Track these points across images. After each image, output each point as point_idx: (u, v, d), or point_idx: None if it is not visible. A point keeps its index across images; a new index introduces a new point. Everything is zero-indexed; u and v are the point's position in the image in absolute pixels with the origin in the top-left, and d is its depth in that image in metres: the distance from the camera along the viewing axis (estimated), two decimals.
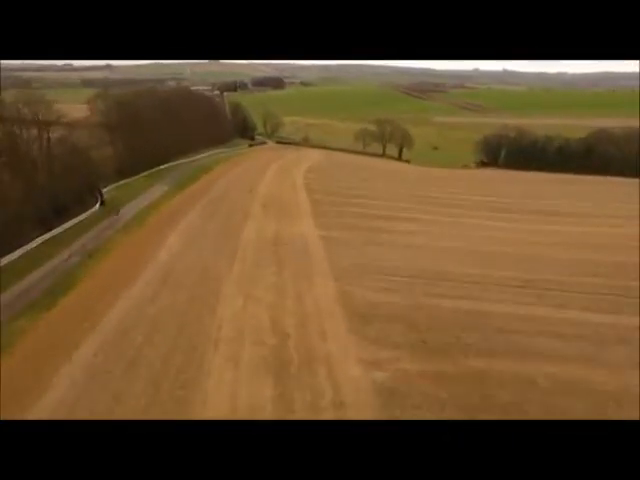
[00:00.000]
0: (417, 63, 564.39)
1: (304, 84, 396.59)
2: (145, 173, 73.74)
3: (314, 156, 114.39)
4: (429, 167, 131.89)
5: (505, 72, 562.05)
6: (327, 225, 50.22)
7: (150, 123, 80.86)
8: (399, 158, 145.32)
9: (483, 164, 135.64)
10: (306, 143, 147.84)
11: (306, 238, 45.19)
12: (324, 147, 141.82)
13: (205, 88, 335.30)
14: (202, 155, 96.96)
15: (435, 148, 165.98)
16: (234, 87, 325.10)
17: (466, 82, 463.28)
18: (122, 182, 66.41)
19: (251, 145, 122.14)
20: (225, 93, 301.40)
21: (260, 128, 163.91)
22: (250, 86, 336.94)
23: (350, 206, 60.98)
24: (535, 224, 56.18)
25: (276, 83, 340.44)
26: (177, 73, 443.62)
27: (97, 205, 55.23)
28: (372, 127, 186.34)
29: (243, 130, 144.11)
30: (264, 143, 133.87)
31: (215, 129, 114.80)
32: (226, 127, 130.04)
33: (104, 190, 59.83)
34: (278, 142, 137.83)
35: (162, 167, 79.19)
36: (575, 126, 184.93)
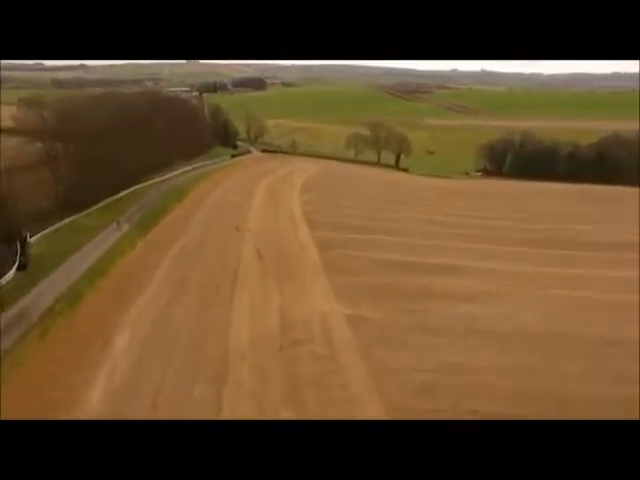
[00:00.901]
0: (397, 63, 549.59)
1: (286, 84, 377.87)
2: (101, 204, 56.02)
3: (306, 169, 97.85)
4: (432, 177, 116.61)
5: (483, 72, 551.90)
6: (349, 291, 33.96)
7: (110, 134, 63.17)
8: (396, 166, 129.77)
9: (488, 172, 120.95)
10: (294, 150, 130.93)
11: (328, 324, 28.89)
12: (314, 155, 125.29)
13: (184, 89, 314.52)
14: (177, 172, 79.40)
15: (430, 153, 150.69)
16: (214, 88, 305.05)
17: (447, 82, 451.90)
18: (63, 222, 47.89)
19: (234, 155, 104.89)
20: (205, 94, 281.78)
21: (242, 133, 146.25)
22: (230, 87, 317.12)
23: (368, 248, 44.92)
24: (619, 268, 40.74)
25: (257, 84, 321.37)
26: (155, 73, 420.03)
27: (12, 270, 34.64)
28: (364, 131, 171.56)
29: (224, 137, 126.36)
30: (248, 152, 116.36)
31: (192, 138, 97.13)
32: (205, 135, 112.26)
33: (33, 239, 41.53)
34: (264, 150, 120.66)
35: (125, 193, 61.41)
36: (573, 129, 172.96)
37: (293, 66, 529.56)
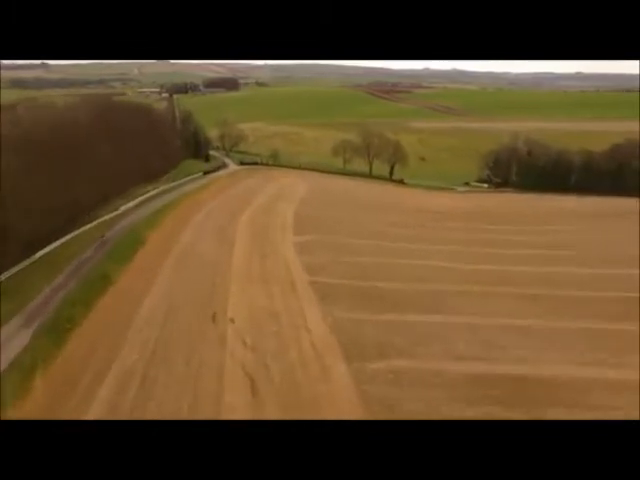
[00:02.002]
0: (371, 61, 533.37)
1: (259, 84, 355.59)
2: (4, 275, 35.46)
3: (293, 187, 78.97)
4: (433, 190, 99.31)
5: (455, 71, 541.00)
6: None
7: (32, 161, 43.11)
8: (391, 177, 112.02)
9: (497, 185, 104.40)
10: (276, 161, 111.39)
11: None
12: (299, 167, 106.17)
13: (153, 90, 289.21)
14: (132, 203, 59.16)
15: (422, 159, 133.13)
16: (185, 89, 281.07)
17: (421, 81, 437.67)
18: None
19: (207, 172, 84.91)
20: (175, 96, 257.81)
21: (216, 140, 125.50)
22: (202, 88, 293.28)
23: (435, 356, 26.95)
24: None
25: (230, 84, 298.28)
26: (122, 73, 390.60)
27: None
28: (347, 135, 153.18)
29: (195, 147, 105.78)
30: (223, 166, 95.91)
31: (155, 154, 76.84)
32: (172, 147, 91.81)
33: None
34: (242, 163, 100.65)
35: (45, 251, 40.66)
36: (570, 131, 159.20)
37: (266, 65, 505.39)
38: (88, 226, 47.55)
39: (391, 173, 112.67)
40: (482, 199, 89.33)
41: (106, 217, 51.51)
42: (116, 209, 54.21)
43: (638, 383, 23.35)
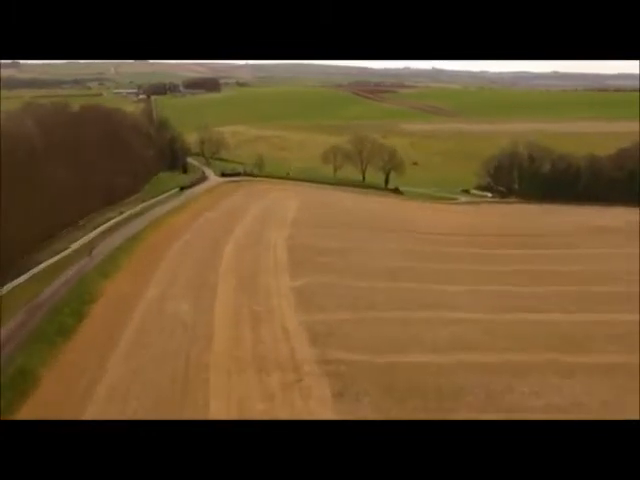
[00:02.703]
0: (351, 61, 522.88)
1: (240, 84, 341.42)
2: None
3: (283, 206, 67.81)
4: (436, 202, 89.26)
5: (435, 70, 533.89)
6: None
7: None
8: (386, 186, 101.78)
9: (501, 194, 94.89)
10: (260, 171, 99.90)
11: None
12: (286, 177, 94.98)
13: (130, 91, 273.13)
14: (88, 236, 46.85)
15: (415, 164, 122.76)
16: (164, 90, 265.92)
17: (402, 80, 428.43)
18: None
19: (184, 188, 73.01)
20: (153, 97, 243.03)
21: (195, 145, 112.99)
22: (182, 88, 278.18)
23: None
24: None
25: (211, 85, 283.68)
26: (99, 73, 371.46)
27: None
28: (337, 140, 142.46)
29: (171, 158, 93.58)
30: (203, 179, 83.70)
31: (123, 169, 64.85)
32: (144, 159, 79.70)
33: None
34: (224, 175, 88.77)
35: None
36: (565, 132, 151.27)
37: (247, 65, 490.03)
38: (15, 283, 34.81)
39: (386, 181, 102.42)
40: (490, 212, 79.50)
41: (45, 264, 39.10)
42: (64, 248, 42.08)
43: None
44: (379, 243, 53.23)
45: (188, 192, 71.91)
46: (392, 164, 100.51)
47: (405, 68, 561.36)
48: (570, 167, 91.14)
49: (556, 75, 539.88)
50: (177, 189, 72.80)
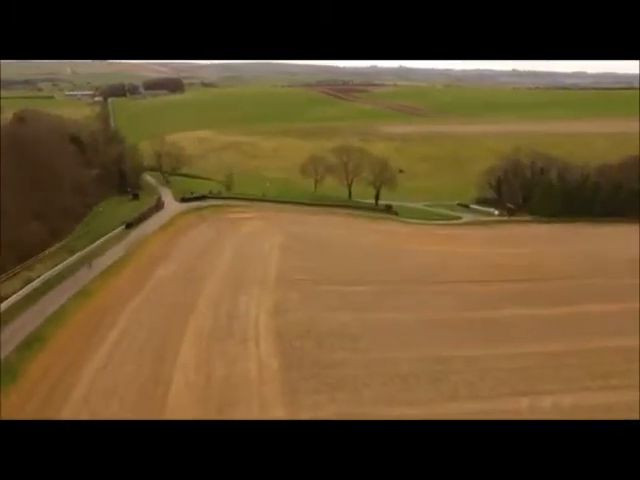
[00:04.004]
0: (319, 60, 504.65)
1: (206, 85, 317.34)
2: None
3: (263, 249, 50.19)
4: (440, 226, 73.48)
5: (401, 68, 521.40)
6: None
7: None
8: (376, 203, 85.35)
9: (510, 211, 79.87)
10: (230, 189, 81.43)
11: None
12: (261, 198, 76.89)
13: (85, 93, 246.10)
14: None
15: (401, 171, 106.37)
16: (122, 91, 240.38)
17: (370, 79, 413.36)
18: None
19: (131, 225, 53.84)
20: (111, 99, 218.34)
21: (152, 159, 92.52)
22: (142, 90, 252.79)
23: None
24: None
25: (174, 85, 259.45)
26: (53, 73, 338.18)
27: None
28: (314, 144, 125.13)
29: (120, 178, 73.91)
30: (157, 208, 64.15)
31: (49, 202, 45.88)
32: (83, 184, 60.26)
33: None
34: (184, 200, 69.93)
35: None
36: (557, 133, 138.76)
37: (212, 64, 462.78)
38: None
39: (377, 198, 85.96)
40: (517, 240, 63.80)
41: None
42: None
43: None
44: (408, 312, 36.51)
45: (137, 232, 52.92)
46: (383, 178, 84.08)
47: (372, 67, 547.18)
48: (585, 179, 77.14)
49: (516, 73, 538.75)
50: (122, 227, 53.77)
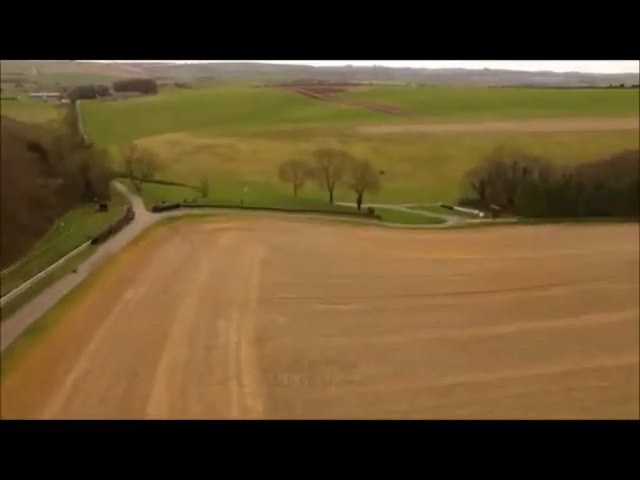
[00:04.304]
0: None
1: (180, 86, 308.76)
2: None
3: (243, 265, 46.16)
4: (425, 231, 70.81)
5: (376, 67, 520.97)
6: None
7: None
8: (359, 208, 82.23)
9: (494, 212, 77.90)
10: (207, 197, 76.93)
11: None
12: (240, 206, 72.57)
13: (51, 94, 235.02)
14: None
15: (381, 173, 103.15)
16: (92, 93, 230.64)
17: (346, 79, 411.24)
18: None
19: (96, 241, 48.47)
20: (79, 101, 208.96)
21: (123, 165, 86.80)
22: (113, 91, 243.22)
23: None
24: None
25: (146, 86, 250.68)
26: (17, 73, 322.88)
27: None
28: (292, 147, 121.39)
29: (87, 188, 68.48)
30: (127, 219, 58.85)
31: (5, 216, 40.54)
32: (44, 195, 55.02)
33: None
34: (156, 209, 65.03)
35: None
36: (540, 132, 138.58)
37: (186, 64, 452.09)
38: None
39: (359, 202, 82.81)
40: (508, 241, 61.69)
41: None
42: None
43: None
44: (403, 333, 33.21)
45: (104, 247, 48.08)
46: (365, 182, 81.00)
47: (347, 66, 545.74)
48: (569, 178, 75.84)
49: (487, 72, 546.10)
50: (88, 242, 48.82)
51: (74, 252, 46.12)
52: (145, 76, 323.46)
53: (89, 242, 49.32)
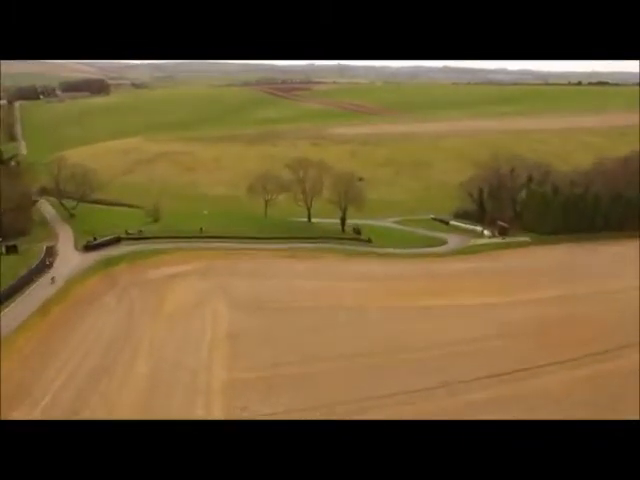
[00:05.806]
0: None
1: (137, 86, 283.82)
2: None
3: (208, 370, 31.02)
4: (424, 258, 57.30)
5: (338, 65, 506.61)
6: None
7: None
8: (343, 228, 67.99)
9: (501, 230, 65.31)
10: (157, 225, 60.33)
11: None
12: (199, 236, 56.20)
13: None
14: None
15: (361, 179, 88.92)
16: (35, 94, 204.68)
17: (310, 77, 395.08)
18: None
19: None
20: (19, 103, 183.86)
21: (51, 180, 67.99)
22: (59, 92, 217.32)
23: None
24: None
25: (97, 86, 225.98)
26: None
27: None
28: (260, 151, 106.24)
29: None
30: (42, 268, 41.17)
31: None
32: None
33: None
34: (88, 247, 48.23)
35: None
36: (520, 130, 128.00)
37: (143, 64, 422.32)
38: None
39: (343, 221, 68.48)
40: (535, 281, 49.03)
41: None
42: None
43: None
44: None
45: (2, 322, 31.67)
46: (349, 197, 66.77)
47: (309, 64, 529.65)
48: (585, 189, 64.37)
49: (447, 69, 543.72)
50: None
51: None
52: (99, 76, 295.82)
53: None
